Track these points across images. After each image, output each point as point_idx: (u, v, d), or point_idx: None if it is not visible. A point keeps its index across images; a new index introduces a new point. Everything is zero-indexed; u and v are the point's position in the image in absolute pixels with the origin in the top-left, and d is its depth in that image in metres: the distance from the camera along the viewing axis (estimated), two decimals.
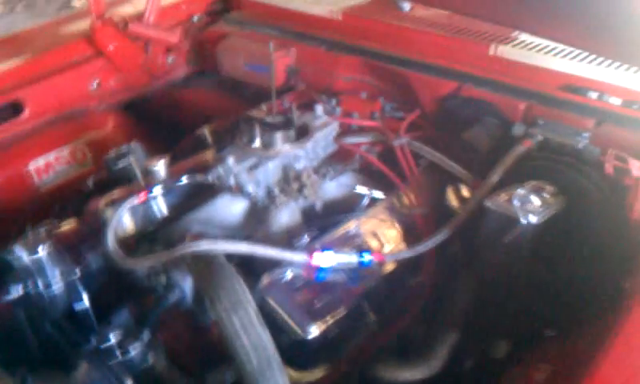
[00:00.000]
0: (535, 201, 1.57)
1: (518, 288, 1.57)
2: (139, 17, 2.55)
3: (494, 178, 1.73)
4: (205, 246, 1.49)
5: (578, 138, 1.80)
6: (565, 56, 1.99)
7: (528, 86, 1.95)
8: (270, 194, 1.78)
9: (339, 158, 1.97)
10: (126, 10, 2.66)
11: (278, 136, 1.78)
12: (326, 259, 1.56)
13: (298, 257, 1.53)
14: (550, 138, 1.83)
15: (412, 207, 1.82)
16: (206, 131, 2.16)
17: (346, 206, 1.87)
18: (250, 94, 2.45)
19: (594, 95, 1.88)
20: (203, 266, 1.46)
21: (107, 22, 2.47)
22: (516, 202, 1.55)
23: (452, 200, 1.81)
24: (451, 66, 2.08)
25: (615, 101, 1.86)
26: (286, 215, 1.79)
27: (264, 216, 1.78)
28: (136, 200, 1.64)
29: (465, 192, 1.83)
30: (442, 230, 1.66)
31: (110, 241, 1.53)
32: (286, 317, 1.45)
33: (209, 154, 2.00)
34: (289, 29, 2.50)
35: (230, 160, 1.72)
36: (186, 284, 1.57)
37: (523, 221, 1.51)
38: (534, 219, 1.51)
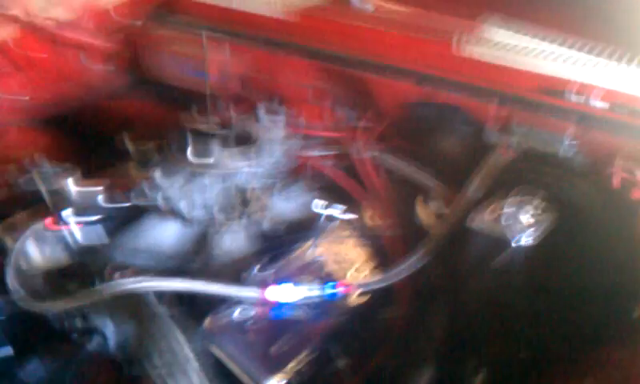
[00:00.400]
0: (525, 218, 1.37)
1: (509, 318, 1.35)
2: (72, 22, 2.28)
3: (472, 190, 1.53)
4: (130, 283, 1.23)
5: (559, 144, 1.62)
6: (538, 55, 1.80)
7: (502, 89, 1.76)
8: (208, 215, 1.53)
9: (299, 173, 1.74)
10: (58, 13, 2.37)
11: (216, 145, 1.53)
12: (283, 293, 1.32)
13: (249, 292, 1.29)
14: (533, 146, 1.64)
15: (379, 226, 1.60)
16: (126, 140, 1.88)
17: (302, 226, 1.63)
18: (195, 104, 2.20)
19: (573, 98, 1.70)
20: (129, 310, 1.21)
21: (34, 27, 2.19)
22: (504, 221, 1.34)
23: (423, 216, 1.59)
24: (414, 68, 1.87)
25: (597, 103, 1.68)
26: (229, 240, 1.54)
27: (202, 242, 1.54)
28: (42, 226, 1.36)
29: (435, 206, 1.62)
30: (416, 253, 1.44)
31: (11, 277, 1.25)
32: (236, 368, 1.19)
33: (131, 168, 1.72)
34: (236, 31, 2.26)
35: (158, 175, 1.47)
36: (109, 329, 1.29)
37: (515, 242, 1.31)
38: (526, 240, 1.31)
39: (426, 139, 1.79)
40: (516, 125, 1.69)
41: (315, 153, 1.81)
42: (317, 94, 2.05)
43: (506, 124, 1.71)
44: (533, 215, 1.38)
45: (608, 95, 1.66)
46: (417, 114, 1.83)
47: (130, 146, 1.80)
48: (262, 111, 1.72)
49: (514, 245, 1.31)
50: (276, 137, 1.67)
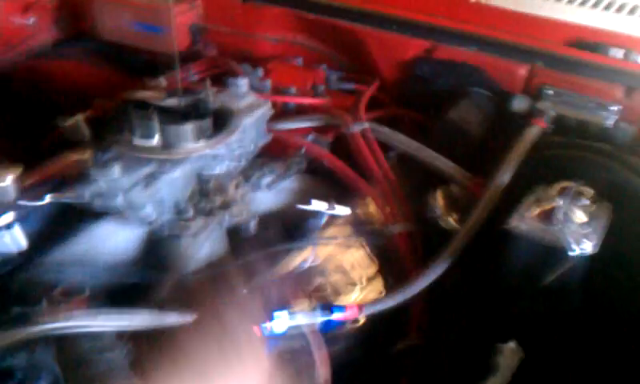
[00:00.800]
0: (579, 215, 1.04)
1: (568, 347, 1.04)
2: None
3: (503, 176, 1.20)
4: (75, 320, 0.91)
5: (604, 112, 1.30)
6: (573, 1, 1.47)
7: (528, 43, 1.42)
8: (179, 216, 1.17)
9: (275, 154, 1.39)
10: None
11: (188, 129, 1.17)
12: (278, 324, 0.99)
13: None
14: (567, 115, 1.31)
15: (387, 222, 1.26)
16: (79, 120, 1.49)
17: (295, 225, 1.29)
18: (142, 64, 1.81)
19: (618, 53, 1.38)
20: (76, 358, 0.90)
21: None
22: (556, 221, 1.02)
23: (441, 210, 1.25)
24: (421, 18, 1.51)
25: None
26: (207, 247, 1.20)
27: (173, 251, 1.18)
28: None
29: (456, 195, 1.28)
30: (438, 259, 1.12)
31: None
32: None
33: (85, 156, 1.34)
34: None
35: (116, 170, 1.11)
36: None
37: (574, 251, 0.99)
38: (588, 247, 0.99)
39: (434, 107, 1.45)
40: (547, 88, 1.36)
41: (303, 127, 1.44)
42: (298, 52, 1.67)
43: (536, 88, 1.38)
44: (586, 210, 1.06)
45: None
46: (423, 75, 1.48)
47: (83, 127, 1.41)
48: (239, 78, 1.35)
49: (574, 255, 0.99)
50: (258, 111, 1.30)
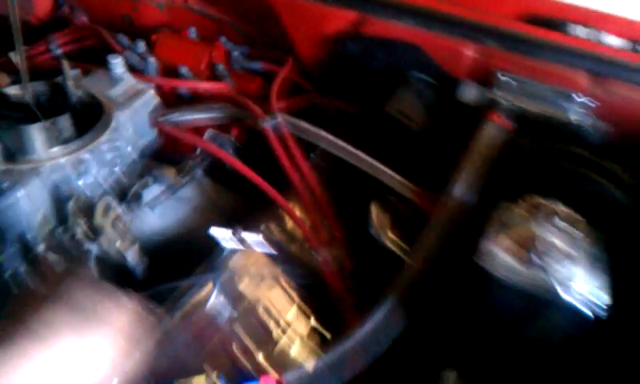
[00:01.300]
0: (561, 246, 0.80)
1: None
2: None
3: (458, 189, 0.94)
4: None
5: (567, 104, 1.07)
6: None
7: (475, 18, 1.16)
8: (26, 251, 0.85)
9: (162, 155, 1.07)
10: None
11: (37, 130, 0.83)
12: None
13: None
14: (528, 108, 1.07)
15: (310, 243, 0.97)
16: None
17: (191, 252, 0.96)
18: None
19: (581, 32, 1.15)
20: None
21: None
22: (539, 259, 0.77)
23: (377, 228, 0.98)
24: None
25: (613, 40, 1.15)
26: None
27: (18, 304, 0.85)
28: None
29: (398, 209, 1.01)
30: (383, 302, 0.84)
31: None
32: None
33: None
34: None
35: None
36: None
37: (588, 312, 0.74)
38: (601, 307, 0.75)
39: (363, 95, 1.17)
40: (502, 74, 1.11)
41: (186, 120, 1.12)
42: (191, 20, 1.34)
43: (486, 72, 1.12)
44: (572, 240, 0.81)
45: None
46: (349, 55, 1.19)
47: None
48: (113, 55, 1.02)
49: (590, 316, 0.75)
50: (139, 101, 0.98)
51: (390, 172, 1.00)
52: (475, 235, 0.82)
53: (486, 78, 1.12)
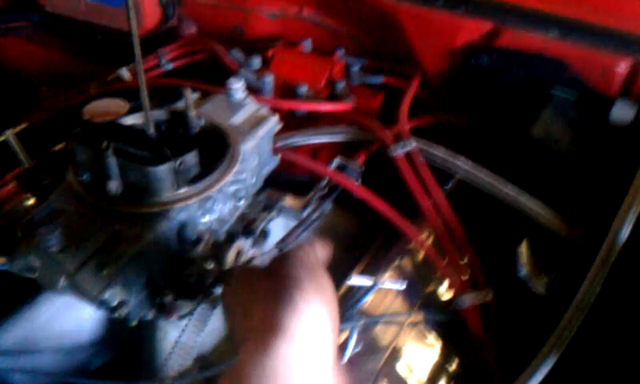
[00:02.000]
0: None
1: None
2: None
3: (621, 230, 0.83)
4: None
5: None
6: None
7: (628, 28, 1.04)
8: (154, 297, 0.80)
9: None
10: None
11: (165, 171, 0.78)
12: None
13: None
14: None
15: (452, 287, 0.89)
16: (10, 138, 1.07)
17: None
18: (100, 45, 1.39)
19: None
20: None
21: None
22: None
23: (527, 269, 0.88)
24: None
25: None
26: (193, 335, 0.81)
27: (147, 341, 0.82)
28: None
29: (547, 248, 0.91)
30: (542, 359, 0.75)
31: None
32: None
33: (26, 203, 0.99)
34: None
35: (54, 243, 0.74)
36: None
37: None
38: None
39: (497, 115, 1.07)
40: None
41: (307, 143, 1.05)
42: (299, 28, 1.27)
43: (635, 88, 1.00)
44: None
45: None
46: (481, 69, 1.09)
47: (16, 146, 1.01)
48: (233, 78, 0.96)
49: None
50: (264, 127, 0.92)
51: (540, 206, 0.90)
52: None
53: (634, 94, 1.00)
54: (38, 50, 1.48)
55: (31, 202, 0.98)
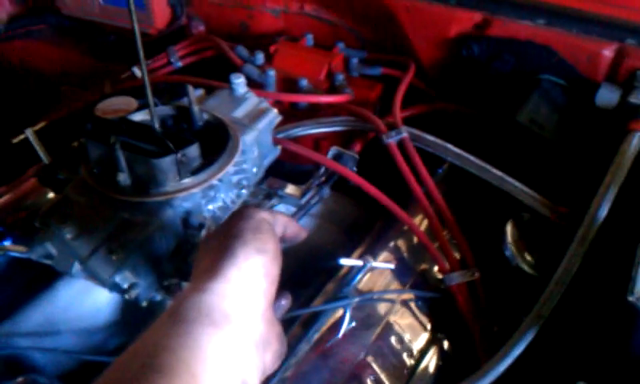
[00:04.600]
0: None
1: None
2: None
3: (600, 208, 0.88)
4: None
5: None
6: None
7: (614, 14, 1.07)
8: (161, 279, 0.87)
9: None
10: None
11: (169, 162, 0.84)
12: None
13: None
14: None
15: (441, 268, 0.94)
16: (30, 134, 1.14)
17: (312, 265, 0.96)
18: (113, 45, 1.46)
19: None
20: None
21: None
22: None
23: (513, 249, 0.93)
24: None
25: None
26: None
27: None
28: None
29: (531, 227, 0.96)
30: (522, 331, 0.80)
31: None
32: None
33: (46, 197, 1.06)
34: None
35: (68, 231, 0.80)
36: None
37: None
38: None
39: (487, 101, 1.11)
40: None
41: (305, 133, 1.10)
42: (301, 23, 1.32)
43: (626, 74, 1.04)
44: None
45: None
46: (473, 58, 1.13)
47: (36, 143, 1.08)
48: (235, 75, 1.02)
49: None
50: (265, 119, 0.98)
51: (524, 188, 0.95)
52: (620, 259, 0.77)
53: (626, 81, 1.03)
54: (56, 51, 1.55)
55: (51, 195, 1.06)
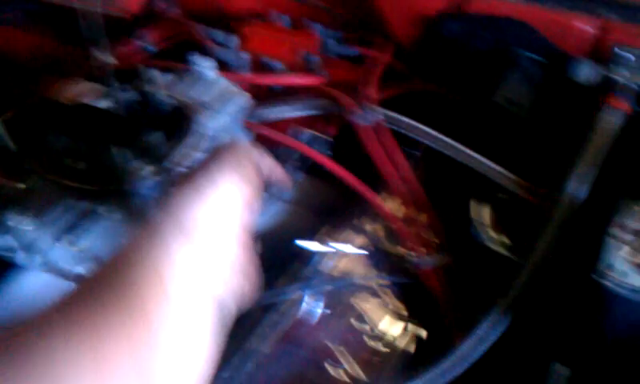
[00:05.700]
0: None
1: None
2: None
3: (577, 187, 0.86)
4: None
5: None
6: None
7: None
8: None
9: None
10: None
11: (129, 151, 0.82)
12: None
13: None
14: None
15: (411, 248, 0.92)
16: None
17: (281, 248, 0.94)
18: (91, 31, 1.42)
19: None
20: None
21: None
22: None
23: (488, 231, 0.91)
24: None
25: None
26: None
27: None
28: None
29: (507, 209, 0.94)
30: (492, 310, 0.79)
31: None
32: None
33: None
34: None
35: (27, 222, 0.79)
36: None
37: None
38: None
39: (466, 80, 1.09)
40: (623, 50, 0.99)
41: (278, 116, 1.08)
42: (278, 3, 1.29)
43: (607, 50, 1.01)
44: None
45: None
46: (451, 36, 1.11)
47: (5, 135, 1.05)
48: (196, 55, 1.00)
49: None
50: (233, 103, 0.96)
51: (498, 168, 0.92)
52: (592, 238, 0.75)
53: (604, 55, 1.00)
54: (29, 38, 1.52)
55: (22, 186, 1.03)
